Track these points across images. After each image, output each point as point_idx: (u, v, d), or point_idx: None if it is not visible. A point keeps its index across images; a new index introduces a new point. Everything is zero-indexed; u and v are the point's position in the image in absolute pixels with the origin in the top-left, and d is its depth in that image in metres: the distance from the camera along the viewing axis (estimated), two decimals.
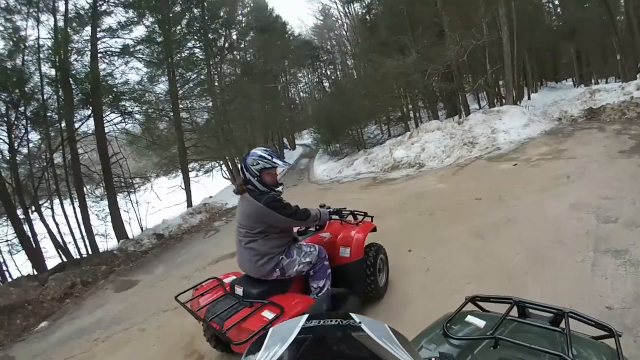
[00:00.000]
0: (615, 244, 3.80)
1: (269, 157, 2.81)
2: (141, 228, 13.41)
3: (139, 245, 9.89)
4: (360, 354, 0.59)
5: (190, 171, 16.66)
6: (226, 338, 2.47)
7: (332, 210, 3.33)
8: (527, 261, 3.93)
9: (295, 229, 3.37)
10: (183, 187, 15.08)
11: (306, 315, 0.68)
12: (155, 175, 16.71)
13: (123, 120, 13.33)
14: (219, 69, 18.75)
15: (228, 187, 16.86)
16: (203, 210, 12.39)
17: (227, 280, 3.07)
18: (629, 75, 13.44)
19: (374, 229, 3.77)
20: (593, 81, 17.38)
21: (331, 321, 0.66)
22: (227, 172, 22.00)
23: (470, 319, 1.42)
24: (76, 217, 11.49)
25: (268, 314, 2.51)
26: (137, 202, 14.21)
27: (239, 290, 2.82)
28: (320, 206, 3.59)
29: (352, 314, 0.68)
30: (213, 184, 18.31)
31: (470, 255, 4.34)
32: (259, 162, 2.78)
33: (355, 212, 3.67)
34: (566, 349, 1.15)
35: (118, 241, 10.88)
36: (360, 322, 0.66)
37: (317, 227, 3.50)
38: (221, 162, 20.15)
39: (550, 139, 8.54)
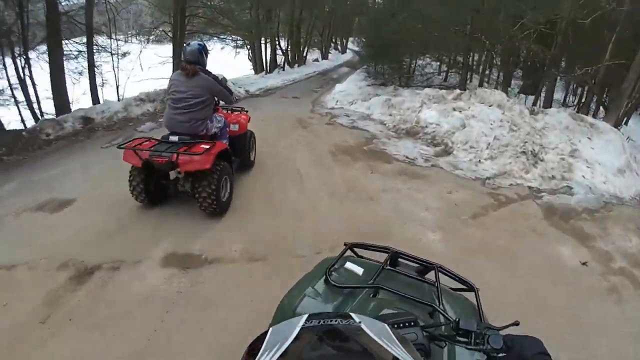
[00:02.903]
0: None
1: None
2: (118, 97, 10.31)
3: (59, 127, 6.93)
4: (360, 354, 0.58)
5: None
6: (175, 163, 3.30)
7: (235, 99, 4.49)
8: None
9: None
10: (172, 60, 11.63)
11: (306, 315, 0.68)
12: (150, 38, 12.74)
13: None
14: None
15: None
16: (158, 99, 8.94)
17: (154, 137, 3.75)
18: None
19: (249, 119, 4.96)
20: None
21: (331, 321, 0.66)
22: (251, 55, 18.49)
23: (349, 265, 1.42)
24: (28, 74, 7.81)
25: (205, 145, 3.45)
26: (117, 67, 10.40)
27: (173, 138, 3.64)
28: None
29: (352, 314, 0.68)
30: (225, 64, 14.83)
31: None
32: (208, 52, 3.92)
33: (238, 107, 5.03)
34: (436, 300, 1.23)
35: (56, 115, 7.74)
36: (360, 322, 0.66)
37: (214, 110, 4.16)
38: (247, 43, 17.69)
39: None
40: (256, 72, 18.33)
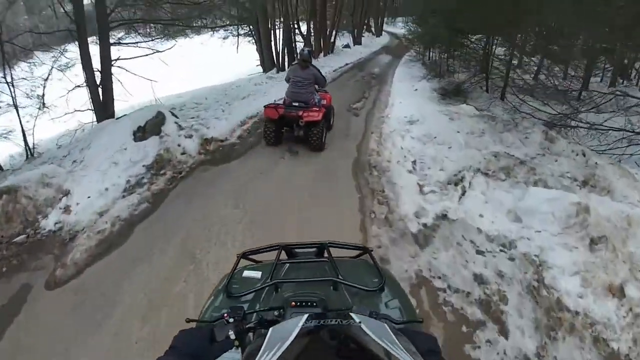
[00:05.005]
0: None
1: None
2: (28, 153, 6.12)
3: None
4: (360, 354, 0.56)
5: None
6: (301, 117, 5.15)
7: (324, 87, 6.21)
8: None
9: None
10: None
11: (306, 315, 0.65)
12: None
13: None
14: None
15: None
16: None
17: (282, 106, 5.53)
18: None
19: (331, 98, 6.36)
20: None
21: (331, 321, 0.64)
22: (257, 44, 12.82)
23: (247, 273, 1.41)
24: None
25: (316, 108, 5.28)
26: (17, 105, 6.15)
27: (295, 104, 5.42)
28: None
29: (352, 314, 0.67)
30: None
31: None
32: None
33: (323, 90, 6.24)
34: (335, 273, 1.25)
35: None
36: (360, 322, 0.64)
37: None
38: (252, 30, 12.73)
39: None
40: (264, 70, 12.63)
